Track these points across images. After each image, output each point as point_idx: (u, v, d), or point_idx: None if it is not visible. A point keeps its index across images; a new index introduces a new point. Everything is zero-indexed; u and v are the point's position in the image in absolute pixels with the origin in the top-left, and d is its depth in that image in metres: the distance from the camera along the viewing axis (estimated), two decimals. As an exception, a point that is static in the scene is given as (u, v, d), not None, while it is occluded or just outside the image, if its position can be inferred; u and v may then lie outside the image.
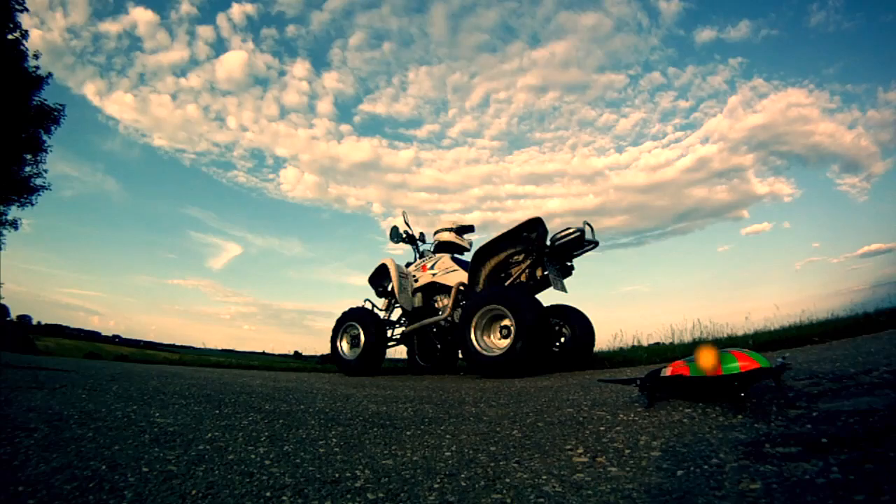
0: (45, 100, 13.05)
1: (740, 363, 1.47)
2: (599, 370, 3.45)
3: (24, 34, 12.48)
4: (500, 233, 3.88)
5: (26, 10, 12.63)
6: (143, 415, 1.80)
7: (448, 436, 1.51)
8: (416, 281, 4.75)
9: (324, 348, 5.21)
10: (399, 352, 5.26)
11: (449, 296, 4.34)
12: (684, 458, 1.09)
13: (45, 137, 13.20)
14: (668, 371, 1.66)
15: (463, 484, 1.05)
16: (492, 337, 3.65)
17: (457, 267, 4.47)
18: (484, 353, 3.53)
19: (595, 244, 3.75)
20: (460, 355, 4.40)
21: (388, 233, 5.04)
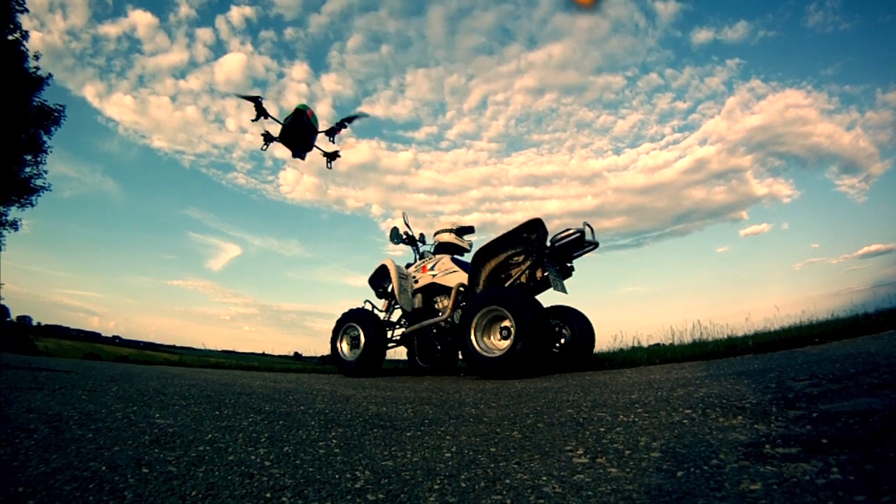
0: (46, 101, 13.12)
1: None
2: (599, 371, 3.45)
3: (25, 35, 12.53)
4: (500, 234, 3.89)
5: (26, 10, 12.69)
6: (143, 416, 1.80)
7: (448, 437, 1.51)
8: (417, 282, 4.75)
9: (324, 349, 5.22)
10: (399, 353, 5.27)
11: (449, 297, 4.34)
12: (684, 458, 1.09)
13: (45, 138, 13.25)
14: None
15: (463, 485, 1.05)
16: (492, 338, 3.65)
17: (457, 268, 4.47)
18: (484, 354, 3.53)
19: (595, 245, 3.75)
20: (460, 356, 4.40)
21: (387, 234, 5.05)
